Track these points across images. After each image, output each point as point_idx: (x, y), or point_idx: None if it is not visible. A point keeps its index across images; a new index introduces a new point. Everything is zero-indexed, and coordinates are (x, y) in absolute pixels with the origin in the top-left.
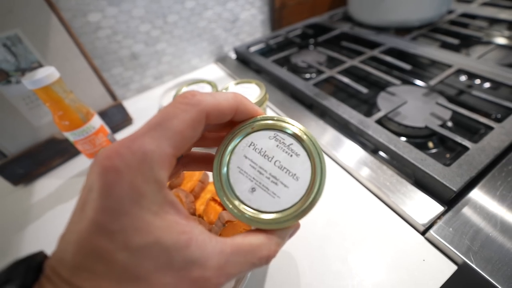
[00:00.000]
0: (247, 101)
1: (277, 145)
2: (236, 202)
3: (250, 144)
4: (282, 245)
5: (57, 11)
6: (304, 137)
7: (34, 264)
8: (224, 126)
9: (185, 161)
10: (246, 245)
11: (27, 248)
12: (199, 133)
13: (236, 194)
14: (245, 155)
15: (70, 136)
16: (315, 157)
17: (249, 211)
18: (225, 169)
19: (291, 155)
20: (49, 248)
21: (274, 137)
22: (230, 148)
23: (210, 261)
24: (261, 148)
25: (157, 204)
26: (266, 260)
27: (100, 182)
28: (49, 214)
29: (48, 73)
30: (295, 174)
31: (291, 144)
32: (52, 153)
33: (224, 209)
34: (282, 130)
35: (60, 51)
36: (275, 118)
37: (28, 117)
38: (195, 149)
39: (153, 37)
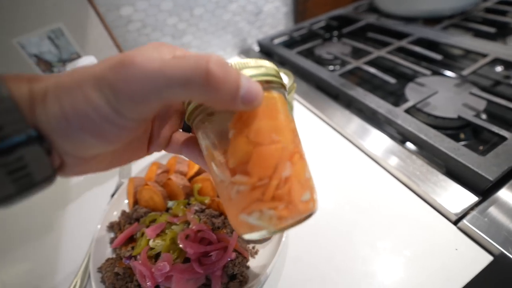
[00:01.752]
0: None
1: None
2: None
3: None
4: (226, 67)
5: (94, 5)
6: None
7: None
8: None
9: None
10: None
11: (68, 223)
12: None
13: None
14: None
15: None
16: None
17: None
18: None
19: None
20: (88, 225)
21: None
22: None
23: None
24: None
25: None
26: (204, 67)
27: None
28: (86, 195)
29: (89, 62)
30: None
31: None
32: None
33: None
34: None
35: (96, 43)
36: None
37: None
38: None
39: (179, 30)
